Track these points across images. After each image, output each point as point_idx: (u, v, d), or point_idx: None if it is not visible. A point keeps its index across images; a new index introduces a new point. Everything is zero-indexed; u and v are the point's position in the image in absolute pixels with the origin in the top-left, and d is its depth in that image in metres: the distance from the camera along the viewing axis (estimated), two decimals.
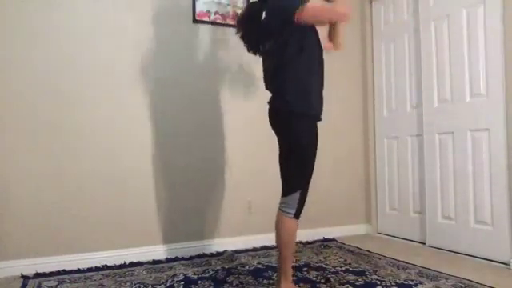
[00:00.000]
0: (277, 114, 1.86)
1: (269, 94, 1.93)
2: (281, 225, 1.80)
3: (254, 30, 1.94)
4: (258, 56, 2.01)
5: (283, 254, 1.80)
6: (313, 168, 1.83)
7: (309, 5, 1.72)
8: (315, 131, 1.83)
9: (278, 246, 1.81)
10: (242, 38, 2.00)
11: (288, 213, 1.79)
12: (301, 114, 1.79)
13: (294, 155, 1.81)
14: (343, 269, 2.40)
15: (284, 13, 1.73)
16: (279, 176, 1.89)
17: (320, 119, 1.87)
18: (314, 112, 1.84)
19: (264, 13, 1.86)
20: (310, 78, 1.82)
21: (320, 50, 1.88)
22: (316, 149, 1.83)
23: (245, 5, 3.03)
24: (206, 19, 2.93)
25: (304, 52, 1.76)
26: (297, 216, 1.80)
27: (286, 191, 1.82)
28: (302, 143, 1.79)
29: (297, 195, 1.79)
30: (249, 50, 2.04)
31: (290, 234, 1.80)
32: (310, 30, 1.83)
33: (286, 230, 1.79)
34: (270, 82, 1.90)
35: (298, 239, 2.64)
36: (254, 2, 2.00)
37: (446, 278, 2.19)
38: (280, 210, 1.82)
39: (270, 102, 1.89)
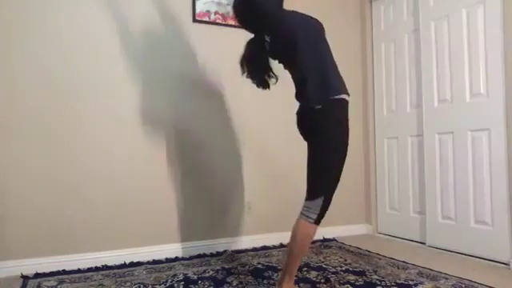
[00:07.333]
0: (311, 117, 1.81)
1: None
2: (299, 228, 1.77)
3: (259, 66, 1.94)
4: (267, 90, 2.00)
5: (295, 256, 1.77)
6: (339, 176, 1.81)
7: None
8: (346, 139, 1.81)
9: (291, 248, 1.78)
10: (248, 76, 1.99)
11: (309, 218, 1.76)
12: (337, 109, 1.78)
13: (320, 159, 1.79)
14: (343, 269, 2.39)
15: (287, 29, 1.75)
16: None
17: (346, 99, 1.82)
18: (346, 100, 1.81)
19: (268, 39, 1.86)
20: (337, 76, 1.83)
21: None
22: (344, 157, 1.81)
23: None
24: (206, 19, 2.93)
25: (327, 56, 1.78)
26: (317, 222, 1.77)
27: (310, 196, 1.79)
28: (331, 145, 1.78)
29: (320, 201, 1.76)
30: (258, 86, 2.02)
31: (306, 238, 1.78)
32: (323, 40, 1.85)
33: (304, 234, 1.77)
34: (301, 94, 1.88)
35: None
36: (251, 40, 1.97)
37: (446, 278, 2.19)
38: (301, 213, 1.79)
39: (302, 107, 1.87)
